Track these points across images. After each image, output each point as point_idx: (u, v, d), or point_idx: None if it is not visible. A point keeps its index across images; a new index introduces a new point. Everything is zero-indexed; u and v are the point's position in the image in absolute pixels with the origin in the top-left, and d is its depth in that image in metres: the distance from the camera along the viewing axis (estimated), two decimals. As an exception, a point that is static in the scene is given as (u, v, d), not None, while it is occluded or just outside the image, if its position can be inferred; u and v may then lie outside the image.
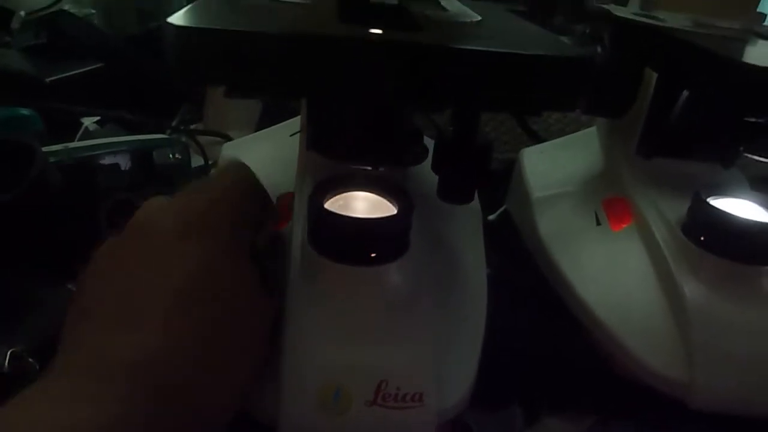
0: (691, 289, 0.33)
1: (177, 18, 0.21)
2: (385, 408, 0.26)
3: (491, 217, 0.53)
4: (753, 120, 0.27)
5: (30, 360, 0.30)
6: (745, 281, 0.33)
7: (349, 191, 0.30)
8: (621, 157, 0.43)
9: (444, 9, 0.31)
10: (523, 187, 0.50)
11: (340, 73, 0.22)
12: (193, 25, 0.21)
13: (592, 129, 0.50)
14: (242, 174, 0.32)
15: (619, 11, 0.37)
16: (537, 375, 0.36)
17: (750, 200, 0.35)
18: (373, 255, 0.27)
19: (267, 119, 0.58)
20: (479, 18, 0.28)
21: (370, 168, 0.31)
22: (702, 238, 0.34)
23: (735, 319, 0.32)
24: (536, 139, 0.61)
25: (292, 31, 0.22)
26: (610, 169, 0.45)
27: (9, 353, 0.29)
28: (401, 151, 0.32)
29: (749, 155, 0.36)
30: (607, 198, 0.43)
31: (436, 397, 0.27)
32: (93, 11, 0.79)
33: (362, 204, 0.30)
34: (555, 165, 0.50)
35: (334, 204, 0.29)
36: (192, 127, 0.63)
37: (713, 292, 0.32)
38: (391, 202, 0.29)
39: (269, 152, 0.46)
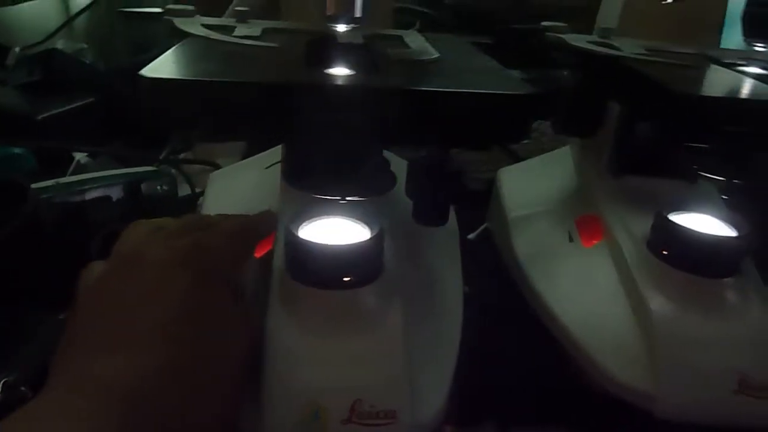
0: (655, 302, 0.34)
1: (150, 70, 0.22)
2: (360, 425, 0.27)
3: (471, 236, 0.54)
4: (695, 145, 0.28)
5: (23, 389, 0.31)
6: (707, 294, 0.34)
7: (324, 219, 0.31)
8: (593, 174, 0.45)
9: (407, 46, 0.32)
10: (500, 206, 0.51)
11: (308, 117, 0.24)
12: (166, 77, 0.22)
13: (567, 147, 0.52)
14: (241, 219, 0.33)
15: (575, 40, 0.38)
16: (510, 390, 0.37)
17: (712, 215, 0.37)
18: (346, 279, 0.29)
19: (254, 146, 0.60)
20: (437, 55, 0.30)
21: (341, 199, 0.32)
22: (665, 253, 0.35)
23: (698, 331, 0.33)
24: (514, 158, 0.63)
25: (261, 80, 0.24)
26: (582, 186, 0.46)
27: (2, 383, 0.31)
28: (370, 182, 0.33)
29: (703, 174, 0.38)
30: (580, 215, 0.44)
31: (409, 414, 0.28)
32: (85, 45, 0.81)
33: (337, 231, 0.31)
34: (531, 184, 0.52)
35: (309, 232, 0.30)
36: (181, 156, 0.65)
37: (677, 305, 0.34)
38: (364, 228, 0.31)
39: (255, 180, 0.47)
